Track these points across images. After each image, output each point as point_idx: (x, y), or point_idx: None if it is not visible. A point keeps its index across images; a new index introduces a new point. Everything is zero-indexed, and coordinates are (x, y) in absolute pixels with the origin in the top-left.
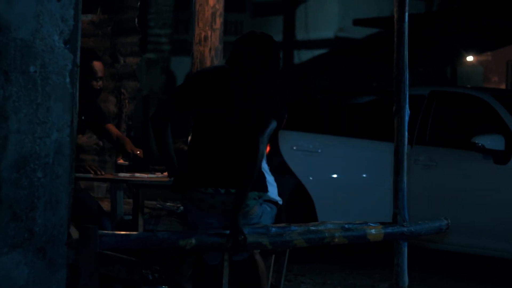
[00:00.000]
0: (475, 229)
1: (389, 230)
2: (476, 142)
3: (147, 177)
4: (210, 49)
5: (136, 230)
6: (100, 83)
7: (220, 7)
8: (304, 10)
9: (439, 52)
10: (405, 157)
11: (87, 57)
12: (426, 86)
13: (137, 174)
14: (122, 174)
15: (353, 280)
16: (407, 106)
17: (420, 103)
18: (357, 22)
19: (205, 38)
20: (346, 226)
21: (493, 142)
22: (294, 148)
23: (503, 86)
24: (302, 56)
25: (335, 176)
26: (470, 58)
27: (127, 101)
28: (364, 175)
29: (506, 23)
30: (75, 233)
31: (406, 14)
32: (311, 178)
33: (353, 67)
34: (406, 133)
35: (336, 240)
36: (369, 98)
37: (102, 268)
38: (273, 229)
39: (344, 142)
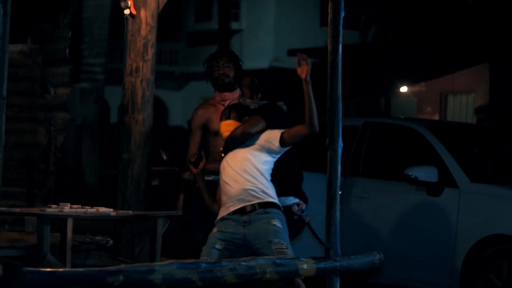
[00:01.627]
0: (409, 262)
1: (322, 265)
2: (409, 173)
3: (75, 212)
4: (142, 80)
5: (63, 265)
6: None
7: (152, 37)
8: (239, 39)
9: (374, 83)
10: (338, 190)
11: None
12: (359, 117)
13: (66, 209)
14: (49, 210)
15: None
16: (340, 139)
17: (353, 134)
18: (292, 52)
19: (137, 69)
20: (278, 261)
21: (426, 174)
22: None
23: (436, 117)
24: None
25: None
26: (404, 89)
27: (57, 132)
28: None
29: (440, 54)
30: None
31: (340, 45)
32: None
33: (288, 97)
34: (339, 167)
35: (268, 275)
36: None
37: None
38: (203, 265)
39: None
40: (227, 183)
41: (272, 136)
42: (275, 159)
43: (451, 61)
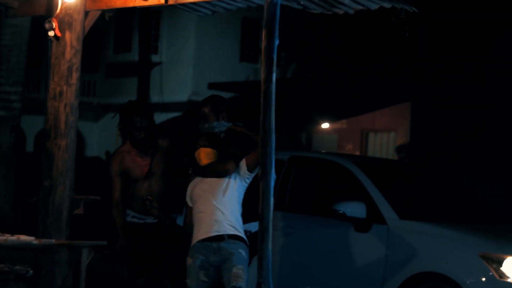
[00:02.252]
0: None
1: None
2: (337, 209)
3: None
4: (66, 104)
5: None
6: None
7: (77, 61)
8: (159, 72)
9: (295, 119)
10: (270, 223)
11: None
12: (285, 151)
13: None
14: None
15: None
16: (273, 170)
17: (279, 168)
18: (212, 86)
19: (60, 93)
20: None
21: (354, 209)
22: None
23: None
24: (157, 118)
25: None
26: (325, 126)
27: None
28: None
29: (361, 92)
30: None
31: (274, 74)
32: None
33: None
34: (272, 199)
35: None
36: None
37: None
38: None
39: None
40: (201, 211)
41: (241, 165)
42: (245, 188)
43: (372, 99)
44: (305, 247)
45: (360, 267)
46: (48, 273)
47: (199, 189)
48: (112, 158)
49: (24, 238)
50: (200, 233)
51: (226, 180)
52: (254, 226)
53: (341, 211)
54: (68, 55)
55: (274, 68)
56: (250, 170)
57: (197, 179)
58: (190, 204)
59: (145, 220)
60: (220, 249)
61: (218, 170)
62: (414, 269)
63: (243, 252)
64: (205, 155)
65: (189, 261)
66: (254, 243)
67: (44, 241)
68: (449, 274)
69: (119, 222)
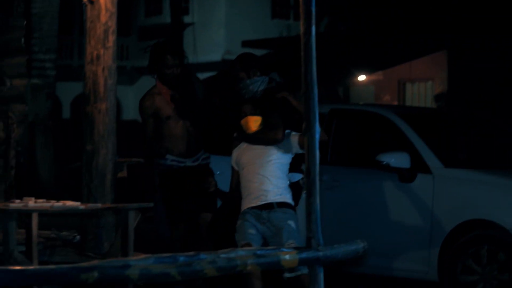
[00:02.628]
0: (385, 250)
1: (304, 255)
2: (381, 160)
3: (41, 206)
4: (104, 68)
5: (31, 262)
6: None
7: (112, 24)
8: (191, 33)
9: (331, 73)
10: (317, 177)
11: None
12: (325, 104)
13: (31, 203)
14: (13, 204)
15: None
16: (317, 124)
17: (320, 122)
18: (246, 44)
19: (98, 56)
20: (258, 252)
21: (398, 160)
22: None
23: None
24: None
25: None
26: (362, 78)
27: (15, 125)
28: None
29: (397, 42)
30: None
31: (313, 27)
32: None
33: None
34: (318, 153)
35: (249, 267)
36: None
37: None
38: (181, 258)
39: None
40: (250, 180)
41: (292, 140)
42: (292, 157)
43: (408, 49)
44: (350, 200)
45: (407, 218)
46: (95, 238)
47: (247, 156)
48: (143, 100)
49: (69, 203)
50: (249, 200)
51: (274, 149)
52: (295, 176)
53: (384, 162)
54: (103, 18)
55: (313, 20)
56: (302, 147)
57: (243, 145)
58: (236, 167)
59: (185, 163)
60: (270, 219)
61: (268, 139)
62: (462, 217)
63: (292, 224)
64: (253, 123)
65: (239, 222)
66: (295, 192)
67: (90, 205)
68: (498, 221)
69: (150, 158)
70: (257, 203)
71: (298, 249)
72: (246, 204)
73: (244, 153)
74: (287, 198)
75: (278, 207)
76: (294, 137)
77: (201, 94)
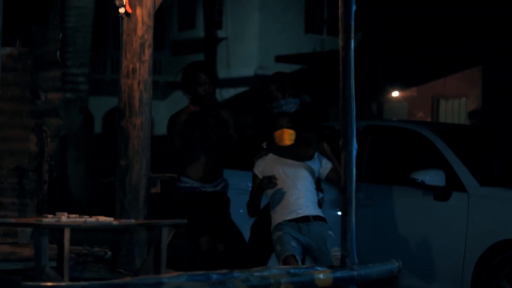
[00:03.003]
0: (418, 270)
1: (338, 274)
2: (416, 178)
3: (74, 221)
4: (139, 82)
5: (62, 278)
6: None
7: (149, 37)
8: (225, 47)
9: (364, 88)
10: (353, 195)
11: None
12: (360, 120)
13: (63, 218)
14: (46, 219)
15: None
16: (354, 139)
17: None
18: (279, 59)
19: (133, 70)
20: (292, 271)
21: (433, 177)
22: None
23: None
24: (224, 94)
25: None
26: (395, 94)
27: (49, 139)
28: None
29: (430, 58)
30: None
31: (352, 41)
32: None
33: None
34: (354, 169)
35: (282, 286)
36: None
37: None
38: (214, 276)
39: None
40: (285, 193)
41: (324, 167)
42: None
43: (442, 66)
44: (384, 218)
45: (440, 237)
46: (127, 254)
47: (279, 170)
48: (172, 118)
49: (103, 219)
50: (284, 213)
51: (306, 165)
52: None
53: (419, 180)
54: (140, 31)
55: (352, 34)
56: (327, 179)
57: (270, 157)
58: (260, 176)
59: (205, 188)
60: (310, 230)
61: (301, 155)
62: (496, 237)
63: (332, 234)
64: (288, 136)
65: (278, 233)
66: None
67: (124, 221)
68: None
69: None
70: (294, 216)
71: (332, 268)
72: (281, 217)
73: (274, 165)
74: (320, 212)
75: (314, 220)
76: (326, 165)
77: (229, 118)
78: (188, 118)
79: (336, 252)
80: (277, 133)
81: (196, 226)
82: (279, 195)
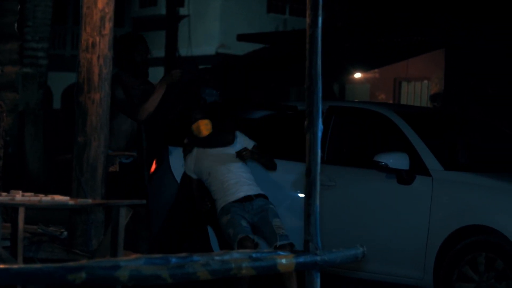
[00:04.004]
0: (380, 255)
1: (301, 259)
2: (379, 160)
3: (28, 200)
4: (99, 56)
5: (15, 258)
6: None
7: (109, 10)
8: (187, 25)
9: (326, 69)
10: (318, 178)
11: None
12: (323, 101)
13: (18, 197)
14: (0, 198)
15: None
16: (320, 121)
17: None
18: (241, 37)
19: (93, 44)
20: (254, 255)
21: (397, 160)
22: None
23: None
24: None
25: None
26: (357, 75)
27: (5, 114)
28: None
29: (393, 40)
30: None
31: (320, 18)
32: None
33: (236, 83)
34: (319, 151)
35: (244, 271)
36: (265, 113)
37: None
38: (173, 260)
39: None
40: (223, 181)
41: (248, 146)
42: None
43: (405, 48)
44: (346, 201)
45: (403, 221)
46: (83, 234)
47: (209, 161)
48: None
49: (59, 198)
50: (228, 197)
51: (232, 148)
52: None
53: (383, 163)
54: (100, 4)
55: (320, 12)
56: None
57: (198, 152)
58: (194, 176)
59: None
60: (253, 206)
61: (222, 140)
62: (461, 222)
63: (273, 207)
64: (204, 127)
65: (226, 217)
66: None
67: (80, 201)
68: (498, 227)
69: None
70: (237, 197)
71: (295, 252)
72: (225, 200)
73: (202, 158)
74: (260, 189)
75: (256, 198)
76: (249, 144)
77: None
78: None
79: (276, 222)
80: (194, 126)
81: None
82: (218, 183)
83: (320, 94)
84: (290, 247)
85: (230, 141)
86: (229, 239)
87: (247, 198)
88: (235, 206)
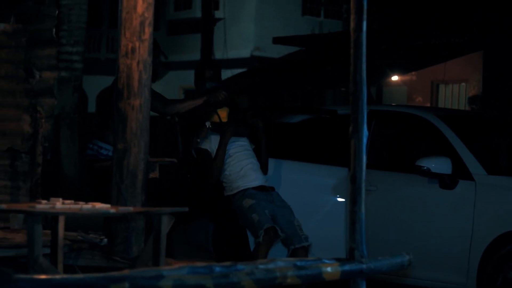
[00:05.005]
0: (423, 260)
1: (347, 267)
2: (421, 165)
3: (69, 208)
4: (139, 62)
5: (56, 266)
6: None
7: (149, 15)
8: (222, 28)
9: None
10: (363, 184)
11: None
12: None
13: (58, 205)
14: (40, 206)
15: None
16: (365, 126)
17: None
18: (277, 40)
19: (133, 50)
20: (299, 264)
21: (439, 165)
22: None
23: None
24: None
25: None
26: (395, 78)
27: (43, 120)
28: (305, 201)
29: (430, 43)
30: None
31: (364, 22)
32: None
33: (271, 87)
34: (365, 157)
35: (289, 280)
36: (304, 117)
37: None
38: (217, 269)
39: (283, 166)
40: (242, 163)
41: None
42: None
43: (442, 50)
44: (388, 206)
45: (446, 227)
46: (123, 241)
47: (230, 146)
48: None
49: (99, 206)
50: (248, 182)
51: (246, 140)
52: None
53: (425, 167)
54: (140, 9)
55: (365, 16)
56: None
57: (215, 137)
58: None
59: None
60: (273, 199)
61: (240, 132)
62: (504, 227)
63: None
64: (225, 114)
65: (250, 201)
66: None
67: (122, 209)
68: None
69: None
70: (257, 183)
71: (340, 260)
72: (245, 184)
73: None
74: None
75: (271, 190)
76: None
77: None
78: None
79: (298, 222)
80: (220, 112)
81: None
82: (237, 166)
83: (365, 100)
84: (306, 250)
85: (245, 134)
86: (251, 224)
87: (263, 188)
88: (258, 193)
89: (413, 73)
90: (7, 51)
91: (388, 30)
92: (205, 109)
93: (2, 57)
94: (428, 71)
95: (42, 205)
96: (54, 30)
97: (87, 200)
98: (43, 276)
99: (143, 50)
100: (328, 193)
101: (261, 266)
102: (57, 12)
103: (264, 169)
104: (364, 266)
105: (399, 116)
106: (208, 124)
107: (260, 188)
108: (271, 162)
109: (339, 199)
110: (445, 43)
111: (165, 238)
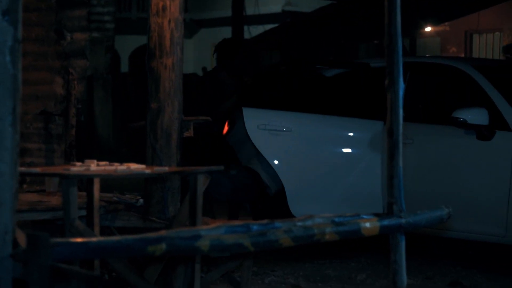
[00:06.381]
0: (459, 212)
1: (385, 222)
2: (457, 116)
3: (104, 170)
4: (170, 20)
5: (92, 228)
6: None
7: None
8: None
9: None
10: (401, 138)
11: None
12: None
13: (93, 167)
14: (75, 168)
15: (328, 271)
16: (401, 79)
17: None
18: None
19: (164, 8)
20: (337, 220)
21: (476, 116)
22: (261, 127)
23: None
24: (252, 31)
25: (308, 158)
26: (428, 29)
27: (76, 82)
28: (340, 156)
29: None
30: (22, 240)
31: None
32: (281, 161)
33: (304, 41)
34: (401, 111)
35: (327, 236)
36: (337, 71)
37: (57, 285)
38: (254, 227)
39: (317, 120)
40: None
41: None
42: None
43: None
44: (424, 158)
45: (484, 178)
46: (159, 202)
47: None
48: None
49: (134, 166)
50: None
51: None
52: None
53: (461, 119)
54: None
55: None
56: None
57: None
58: None
59: None
60: None
61: None
62: None
63: None
64: None
65: None
66: None
67: (157, 169)
68: None
69: None
70: None
71: (379, 216)
72: None
73: None
74: None
75: None
76: None
77: None
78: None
79: None
80: None
81: None
82: None
83: (400, 53)
84: None
85: None
86: None
87: None
88: None
89: (446, 23)
90: (37, 13)
91: None
92: None
93: (32, 20)
94: (462, 20)
95: (77, 168)
96: None
97: (122, 161)
98: (79, 239)
99: (174, 8)
100: (363, 146)
101: (299, 223)
102: None
103: None
104: (403, 220)
105: (434, 67)
106: None
107: None
108: (305, 117)
109: (375, 154)
110: None
111: (201, 197)
